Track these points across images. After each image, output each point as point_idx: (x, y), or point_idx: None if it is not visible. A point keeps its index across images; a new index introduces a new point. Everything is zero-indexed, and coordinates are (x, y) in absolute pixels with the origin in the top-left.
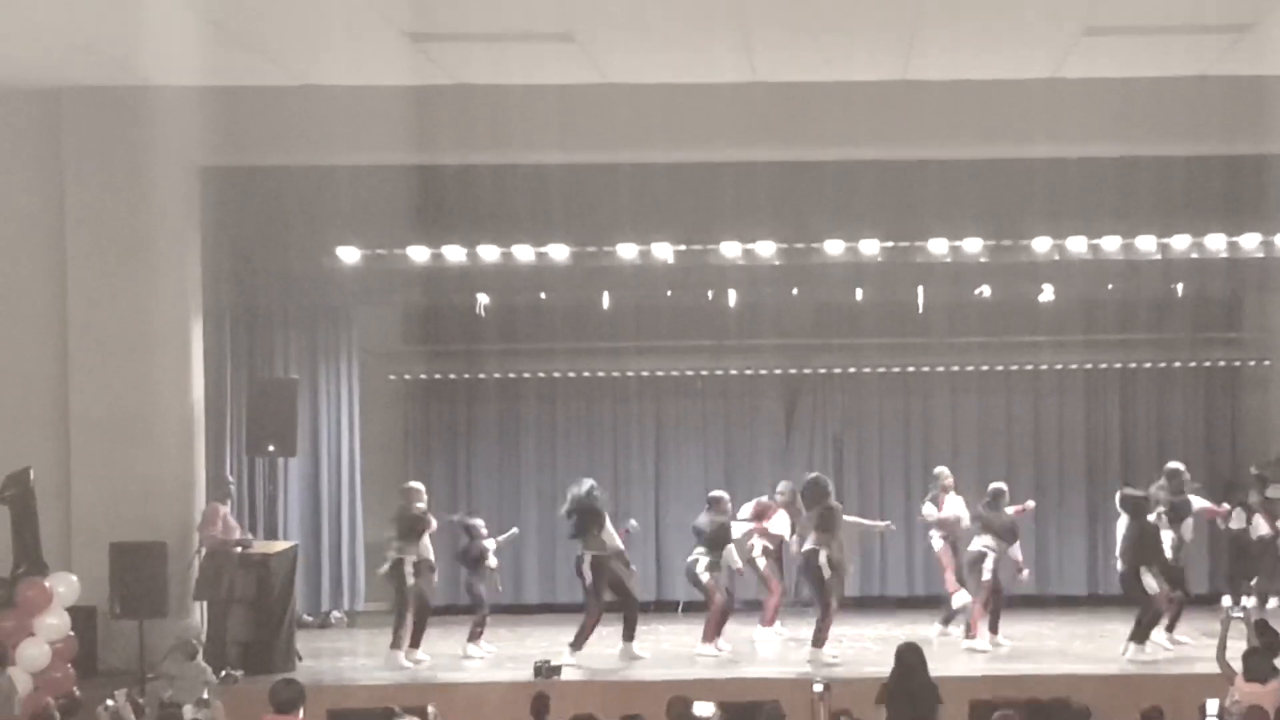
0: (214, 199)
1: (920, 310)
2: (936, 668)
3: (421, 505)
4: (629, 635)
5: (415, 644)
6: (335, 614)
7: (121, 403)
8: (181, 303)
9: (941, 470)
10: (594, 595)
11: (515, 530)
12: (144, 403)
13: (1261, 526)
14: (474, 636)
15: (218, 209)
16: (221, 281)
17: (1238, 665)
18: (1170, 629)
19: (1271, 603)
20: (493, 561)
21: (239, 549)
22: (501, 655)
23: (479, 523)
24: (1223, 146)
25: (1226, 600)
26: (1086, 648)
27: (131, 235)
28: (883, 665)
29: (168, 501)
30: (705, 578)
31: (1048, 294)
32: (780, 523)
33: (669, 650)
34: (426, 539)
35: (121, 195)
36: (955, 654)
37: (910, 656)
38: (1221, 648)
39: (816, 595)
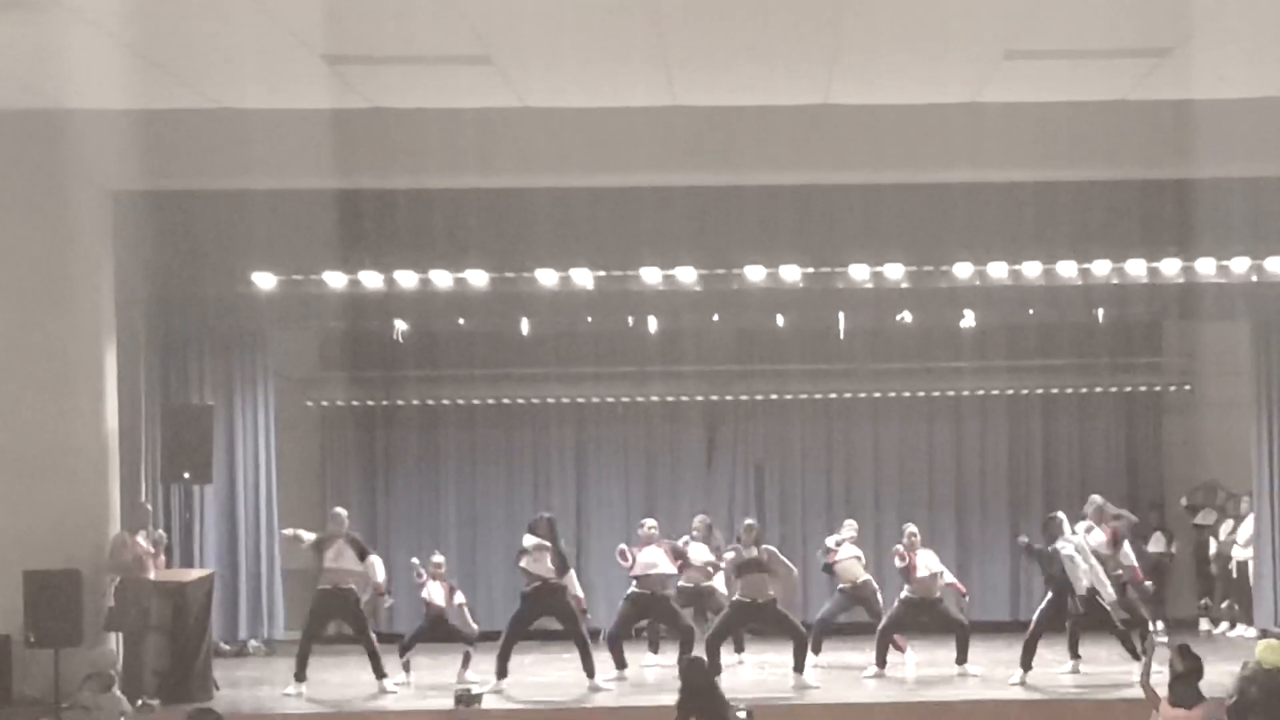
0: (127, 224)
1: (842, 337)
2: (865, 696)
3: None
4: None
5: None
6: (253, 642)
7: (34, 430)
8: (95, 329)
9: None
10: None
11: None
12: (58, 430)
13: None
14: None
15: (131, 234)
16: (136, 308)
17: (1162, 691)
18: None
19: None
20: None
21: (152, 578)
22: (421, 684)
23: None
24: (1142, 171)
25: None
26: (1010, 673)
27: (43, 261)
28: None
29: (82, 529)
30: None
31: (969, 320)
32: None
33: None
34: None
35: (32, 220)
36: (880, 681)
37: (694, 673)
38: (1146, 673)
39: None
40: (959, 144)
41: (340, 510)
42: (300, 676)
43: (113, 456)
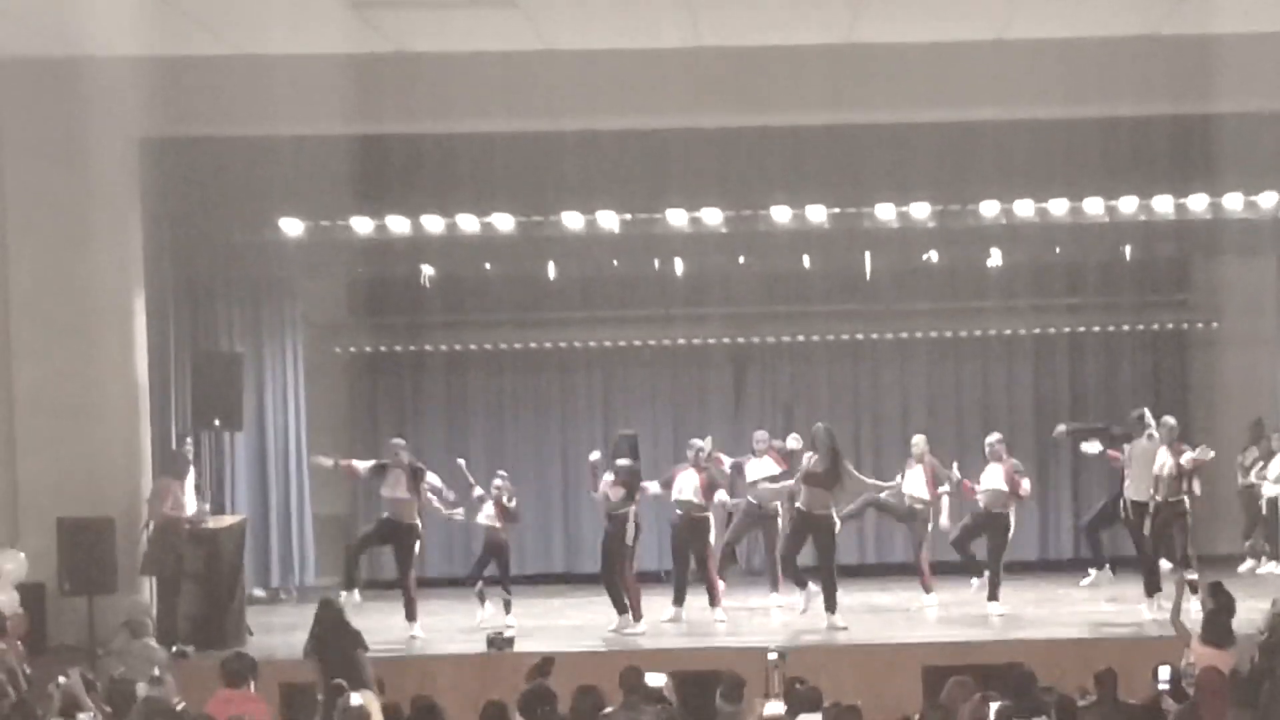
0: (154, 171)
1: (868, 277)
2: (892, 635)
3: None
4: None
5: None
6: (282, 592)
7: (65, 379)
8: (123, 277)
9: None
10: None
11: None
12: (88, 379)
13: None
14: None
15: (158, 181)
16: (163, 255)
17: (1194, 628)
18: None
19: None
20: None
21: (188, 525)
22: (451, 628)
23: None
24: (1170, 107)
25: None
26: (1039, 612)
27: (71, 210)
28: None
29: (114, 477)
30: None
31: (996, 259)
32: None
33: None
34: None
35: (60, 169)
36: (907, 621)
37: (324, 612)
38: (1176, 610)
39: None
40: (985, 81)
41: (398, 440)
42: (350, 585)
43: (143, 404)
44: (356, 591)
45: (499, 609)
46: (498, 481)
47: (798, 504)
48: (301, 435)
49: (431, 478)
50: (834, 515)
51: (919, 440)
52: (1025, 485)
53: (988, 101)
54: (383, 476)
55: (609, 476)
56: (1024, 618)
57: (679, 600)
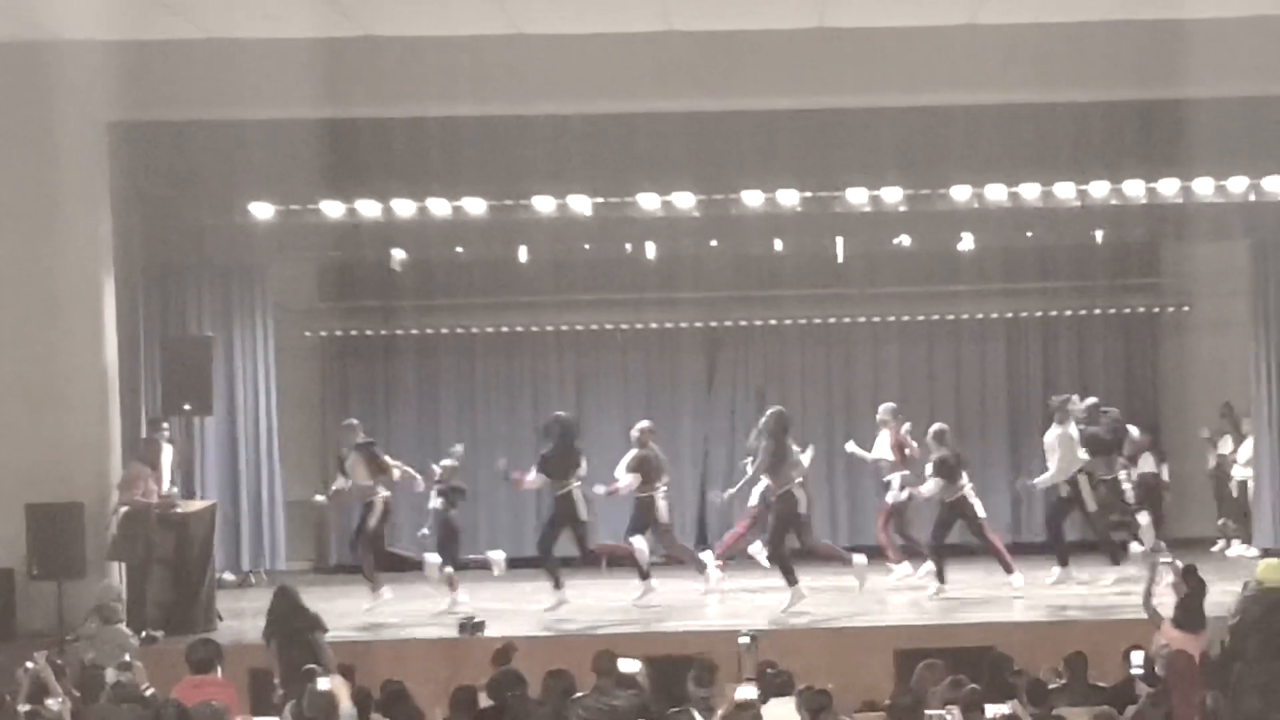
0: (124, 156)
1: (840, 261)
2: (864, 618)
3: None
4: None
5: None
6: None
7: (35, 363)
8: (92, 262)
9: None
10: None
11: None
12: (56, 364)
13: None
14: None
15: (128, 166)
16: (133, 240)
17: (1165, 612)
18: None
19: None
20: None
21: (159, 510)
22: (421, 612)
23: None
24: (1140, 91)
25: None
26: (1011, 596)
27: (40, 194)
28: (810, 616)
29: (83, 462)
30: None
31: (967, 243)
32: None
33: (594, 604)
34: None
35: (29, 153)
36: (880, 604)
37: (281, 599)
38: (1148, 593)
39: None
40: (956, 66)
41: (352, 421)
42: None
43: (113, 389)
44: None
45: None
46: (448, 461)
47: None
48: (272, 419)
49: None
50: (795, 491)
51: (885, 407)
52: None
53: (959, 86)
54: (344, 464)
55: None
56: (996, 600)
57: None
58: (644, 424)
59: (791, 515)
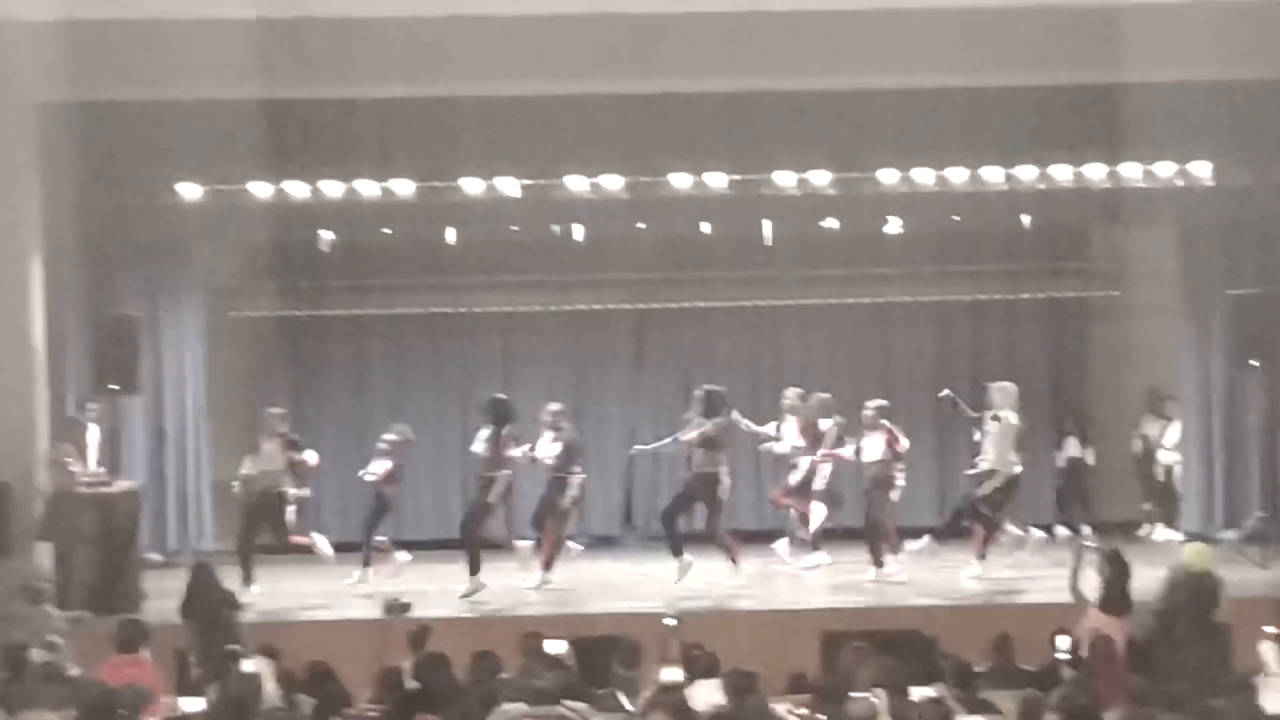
0: (52, 135)
1: (768, 243)
2: (790, 600)
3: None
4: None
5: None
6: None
7: None
8: (19, 241)
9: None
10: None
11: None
12: None
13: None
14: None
15: (56, 145)
16: (61, 219)
17: (1091, 596)
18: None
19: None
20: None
21: (87, 489)
22: (346, 593)
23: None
24: (1068, 76)
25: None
26: (935, 578)
27: None
28: (736, 597)
29: (9, 442)
30: None
31: (895, 226)
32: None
33: (518, 586)
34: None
35: None
36: (806, 587)
37: (197, 575)
38: (1074, 577)
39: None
40: (883, 49)
41: (275, 410)
42: (248, 580)
43: (39, 368)
44: (254, 585)
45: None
46: (391, 437)
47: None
48: (200, 400)
49: (309, 454)
50: (721, 475)
51: (791, 393)
52: (903, 441)
53: (886, 69)
54: (258, 449)
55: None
56: (920, 583)
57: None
58: (556, 406)
59: (710, 496)
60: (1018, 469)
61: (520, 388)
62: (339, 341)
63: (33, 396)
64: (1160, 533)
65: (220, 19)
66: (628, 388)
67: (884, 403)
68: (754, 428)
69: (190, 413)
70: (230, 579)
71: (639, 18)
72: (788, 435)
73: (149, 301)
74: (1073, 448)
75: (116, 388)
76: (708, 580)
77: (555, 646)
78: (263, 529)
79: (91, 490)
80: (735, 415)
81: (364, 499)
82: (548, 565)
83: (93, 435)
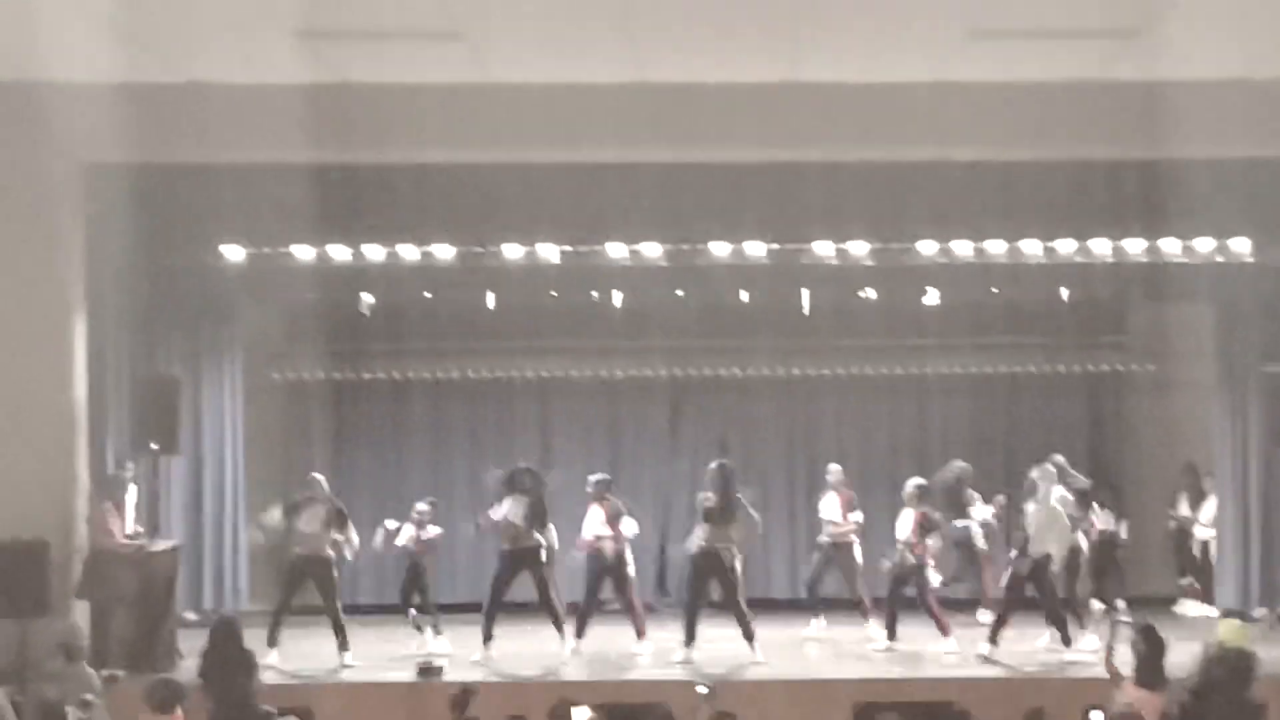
0: (99, 196)
1: (806, 313)
2: (823, 670)
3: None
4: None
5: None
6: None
7: (2, 400)
8: (64, 300)
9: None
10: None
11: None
12: (25, 400)
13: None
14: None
15: (103, 206)
16: (106, 279)
17: (1126, 671)
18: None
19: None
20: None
21: (125, 549)
22: (381, 656)
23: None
24: (1108, 151)
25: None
26: (970, 651)
27: (13, 232)
28: (771, 667)
29: (49, 500)
30: None
31: (933, 297)
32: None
33: (554, 650)
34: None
35: (4, 192)
36: (839, 657)
37: (219, 632)
38: (1108, 651)
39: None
40: (923, 122)
41: (317, 475)
42: (273, 643)
43: (81, 427)
44: (276, 652)
45: (435, 636)
46: (421, 506)
47: (699, 542)
48: (238, 460)
49: (351, 532)
50: (734, 551)
51: (835, 469)
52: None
53: (927, 141)
54: (298, 512)
55: (515, 508)
56: (956, 655)
57: (580, 633)
58: (600, 476)
59: (719, 570)
60: (1054, 548)
61: (556, 453)
62: (378, 404)
63: (74, 455)
64: (1195, 608)
65: (265, 84)
66: (664, 455)
67: (923, 482)
68: (752, 513)
69: (229, 473)
70: (257, 640)
71: (679, 87)
72: (828, 510)
73: (191, 362)
74: (1106, 522)
75: (157, 447)
76: (739, 649)
77: (581, 714)
78: (304, 593)
79: (130, 549)
80: (740, 498)
81: (400, 563)
82: (579, 631)
83: (132, 494)
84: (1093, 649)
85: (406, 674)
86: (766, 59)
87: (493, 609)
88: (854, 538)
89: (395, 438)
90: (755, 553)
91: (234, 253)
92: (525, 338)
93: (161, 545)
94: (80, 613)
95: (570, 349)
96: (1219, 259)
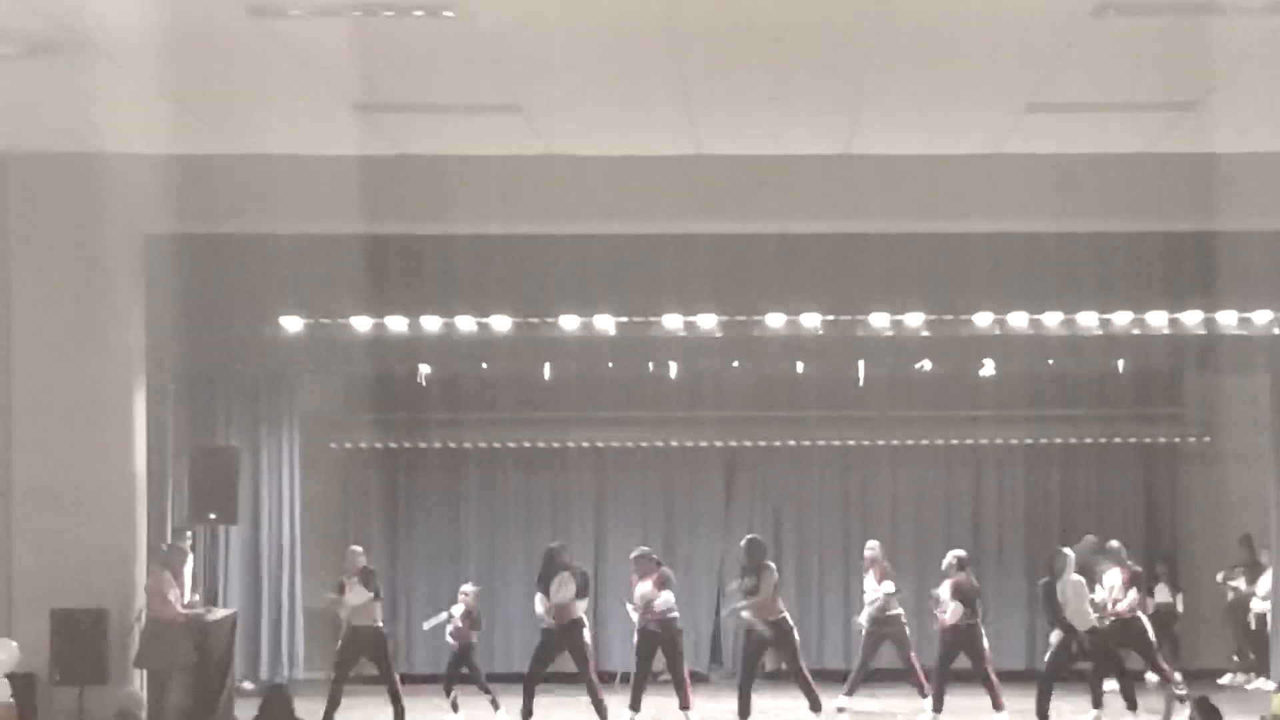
0: (159, 267)
1: (861, 384)
2: None
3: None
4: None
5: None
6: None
7: (63, 469)
8: (124, 370)
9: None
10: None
11: (444, 615)
12: (86, 470)
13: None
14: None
15: (163, 277)
16: (165, 349)
17: None
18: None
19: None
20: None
21: (183, 618)
22: None
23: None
24: (1164, 223)
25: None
26: None
27: (76, 303)
28: None
29: (109, 568)
30: None
31: (989, 369)
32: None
33: None
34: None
35: (66, 262)
36: None
37: (271, 702)
38: None
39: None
40: (980, 194)
41: (355, 547)
42: (330, 716)
43: (140, 496)
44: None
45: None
46: (467, 587)
47: (745, 616)
48: (296, 529)
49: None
50: (786, 618)
51: (873, 544)
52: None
53: (982, 213)
54: (347, 588)
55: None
56: None
57: (635, 705)
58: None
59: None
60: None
61: (611, 523)
62: (434, 473)
63: (133, 524)
64: (1251, 681)
65: (323, 156)
66: (718, 525)
67: (963, 554)
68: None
69: (286, 542)
70: (311, 709)
71: (736, 159)
72: (869, 587)
73: (249, 431)
74: (1163, 594)
75: (215, 517)
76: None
77: None
78: (361, 663)
79: (188, 618)
80: (733, 586)
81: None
82: (634, 704)
83: (190, 563)
84: None
85: None
86: (824, 131)
87: (531, 683)
88: (898, 608)
89: (451, 507)
90: (810, 621)
91: (292, 323)
92: (581, 408)
93: (219, 614)
94: (138, 681)
95: (626, 419)
96: (1276, 330)
